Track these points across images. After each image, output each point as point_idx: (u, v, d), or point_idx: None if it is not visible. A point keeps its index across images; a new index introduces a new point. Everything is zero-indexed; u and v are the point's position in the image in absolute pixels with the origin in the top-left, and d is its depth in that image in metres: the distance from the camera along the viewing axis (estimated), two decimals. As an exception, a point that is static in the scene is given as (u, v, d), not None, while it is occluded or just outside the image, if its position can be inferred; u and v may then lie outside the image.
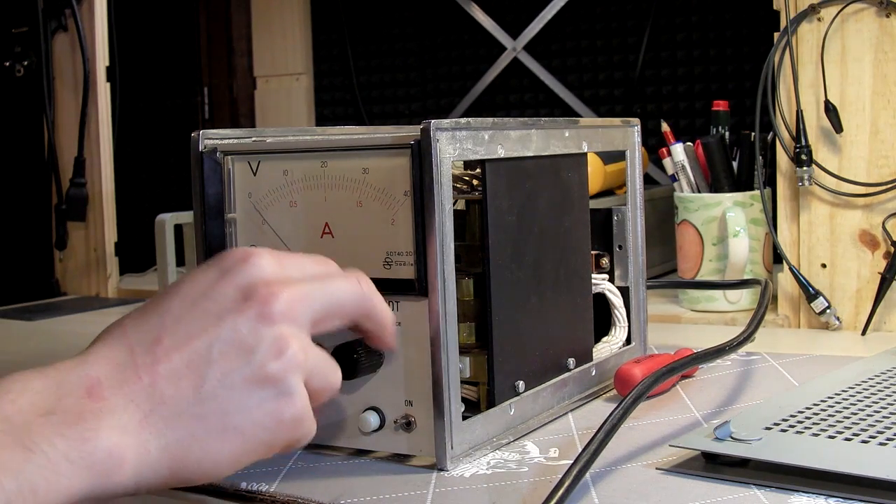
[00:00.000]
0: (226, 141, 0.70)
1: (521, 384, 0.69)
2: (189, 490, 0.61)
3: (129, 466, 0.47)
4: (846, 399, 0.70)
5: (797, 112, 1.00)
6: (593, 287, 0.80)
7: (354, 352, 0.62)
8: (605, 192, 1.26)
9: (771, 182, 1.07)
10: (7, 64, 1.49)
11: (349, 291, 0.56)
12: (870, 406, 0.68)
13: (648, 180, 1.44)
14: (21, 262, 1.55)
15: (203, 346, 0.50)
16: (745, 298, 1.10)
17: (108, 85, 1.45)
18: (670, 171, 1.15)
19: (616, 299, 0.83)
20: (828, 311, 1.00)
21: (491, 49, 1.63)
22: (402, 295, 0.63)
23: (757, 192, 1.09)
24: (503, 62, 1.62)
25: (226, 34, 1.79)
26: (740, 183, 1.12)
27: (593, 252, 0.81)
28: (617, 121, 0.84)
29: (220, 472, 0.50)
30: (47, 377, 0.48)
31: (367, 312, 0.57)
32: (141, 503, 0.60)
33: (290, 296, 0.52)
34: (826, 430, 0.63)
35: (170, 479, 0.49)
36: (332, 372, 0.55)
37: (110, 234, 1.46)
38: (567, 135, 0.76)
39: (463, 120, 0.64)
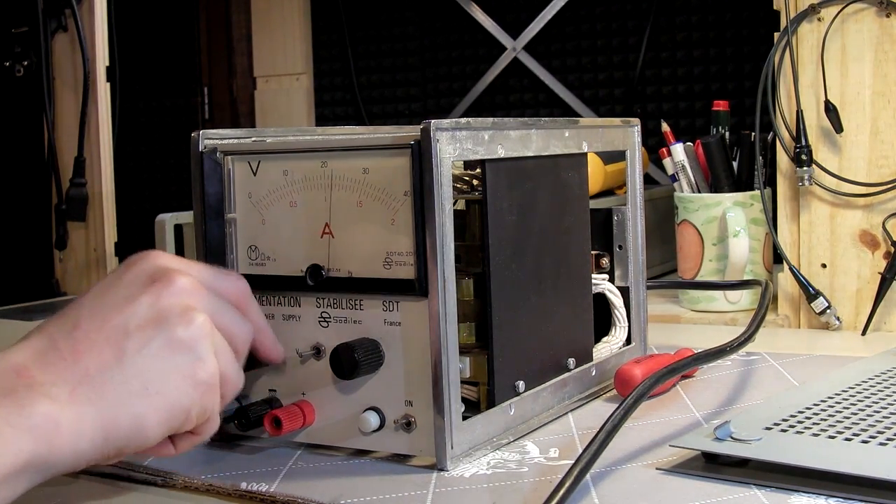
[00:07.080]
0: (226, 141, 0.70)
1: (521, 384, 0.69)
2: (189, 490, 0.61)
3: (66, 433, 0.50)
4: (846, 399, 0.70)
5: (797, 112, 1.00)
6: (593, 287, 0.80)
7: (354, 352, 0.62)
8: (605, 192, 1.26)
9: (771, 182, 1.07)
10: (7, 64, 1.48)
11: (238, 320, 0.60)
12: (870, 406, 0.68)
13: (648, 180, 1.44)
14: (21, 262, 1.55)
15: (119, 323, 0.54)
16: (745, 298, 1.10)
17: (108, 85, 1.45)
18: (670, 171, 1.15)
19: (616, 299, 0.83)
20: (828, 311, 1.00)
21: (491, 49, 1.63)
22: (402, 295, 0.63)
23: (757, 192, 1.09)
24: (503, 62, 1.62)
25: (226, 34, 1.79)
26: (740, 183, 1.12)
27: (593, 252, 0.81)
28: (617, 121, 0.84)
29: (148, 435, 0.53)
30: None
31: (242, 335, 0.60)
32: (141, 501, 0.60)
33: (191, 281, 0.57)
34: (826, 430, 0.63)
35: (104, 447, 0.52)
36: (234, 367, 0.58)
37: (110, 234, 1.46)
38: (567, 135, 0.76)
39: (463, 120, 0.64)
